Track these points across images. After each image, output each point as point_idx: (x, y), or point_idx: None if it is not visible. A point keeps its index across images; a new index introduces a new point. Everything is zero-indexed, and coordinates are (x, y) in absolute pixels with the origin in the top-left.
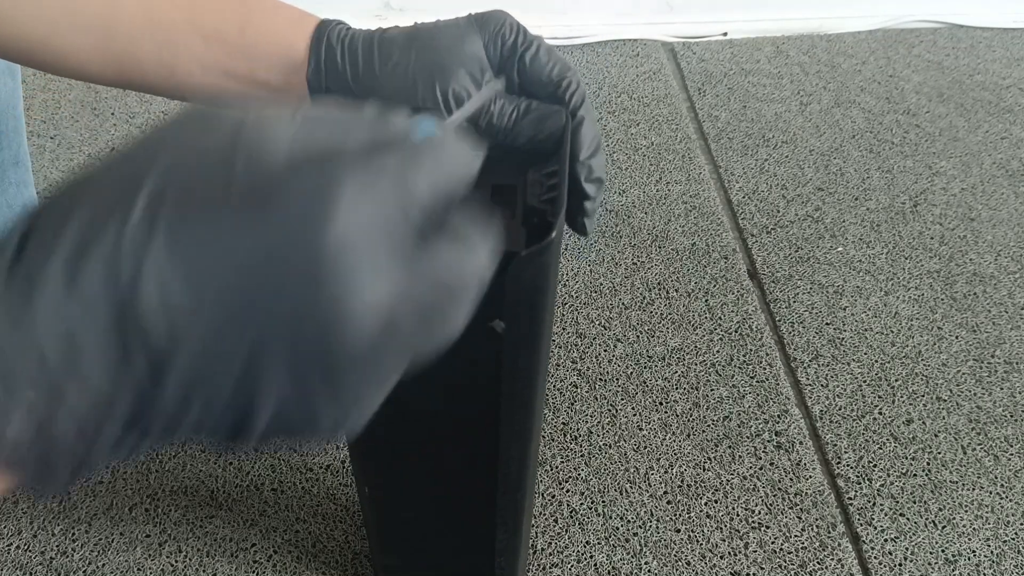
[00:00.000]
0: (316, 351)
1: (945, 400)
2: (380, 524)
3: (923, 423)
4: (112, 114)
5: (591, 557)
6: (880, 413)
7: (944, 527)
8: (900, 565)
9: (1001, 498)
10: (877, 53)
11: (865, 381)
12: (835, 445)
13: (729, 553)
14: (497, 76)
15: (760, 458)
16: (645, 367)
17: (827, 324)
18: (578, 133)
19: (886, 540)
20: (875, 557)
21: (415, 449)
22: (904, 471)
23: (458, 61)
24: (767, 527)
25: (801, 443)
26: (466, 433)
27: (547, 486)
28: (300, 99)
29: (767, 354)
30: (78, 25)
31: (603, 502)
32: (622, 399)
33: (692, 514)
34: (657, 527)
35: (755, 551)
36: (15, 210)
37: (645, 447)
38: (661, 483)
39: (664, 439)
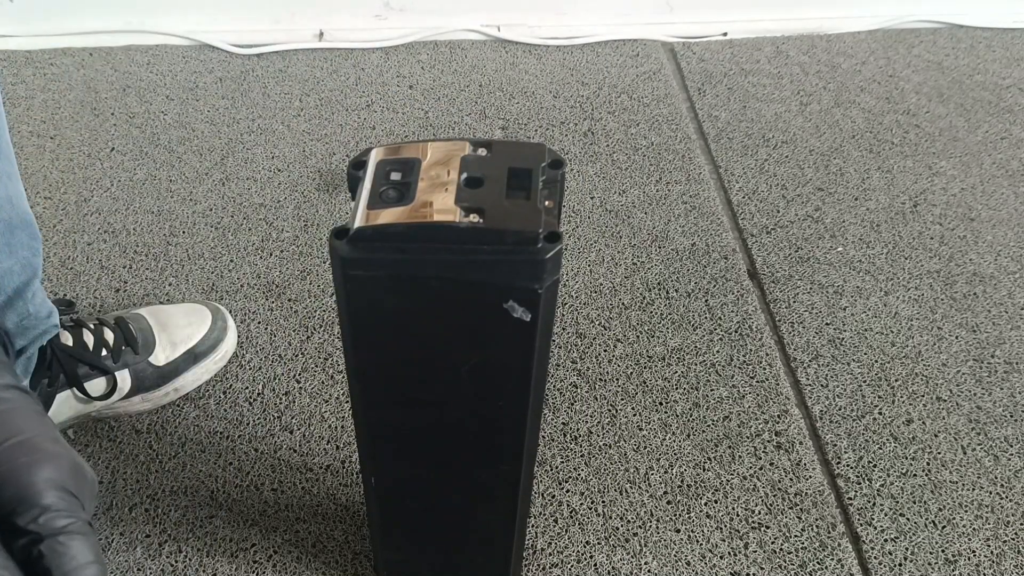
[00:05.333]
0: None
1: (945, 400)
2: (384, 516)
3: (923, 423)
4: (112, 114)
5: (591, 557)
6: (880, 413)
7: (944, 527)
8: (900, 565)
9: (1001, 498)
10: (877, 53)
11: (865, 381)
12: (835, 445)
13: (729, 553)
14: None
15: (760, 458)
16: (645, 367)
17: (827, 324)
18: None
19: (886, 540)
20: (875, 557)
21: (424, 438)
22: (904, 471)
23: None
24: (767, 527)
25: (801, 443)
26: (478, 423)
27: (547, 486)
28: None
29: (767, 354)
30: None
31: (603, 502)
32: (622, 399)
33: (692, 514)
34: (657, 527)
35: (755, 551)
36: (1, 206)
37: (645, 447)
38: (661, 483)
39: (664, 439)
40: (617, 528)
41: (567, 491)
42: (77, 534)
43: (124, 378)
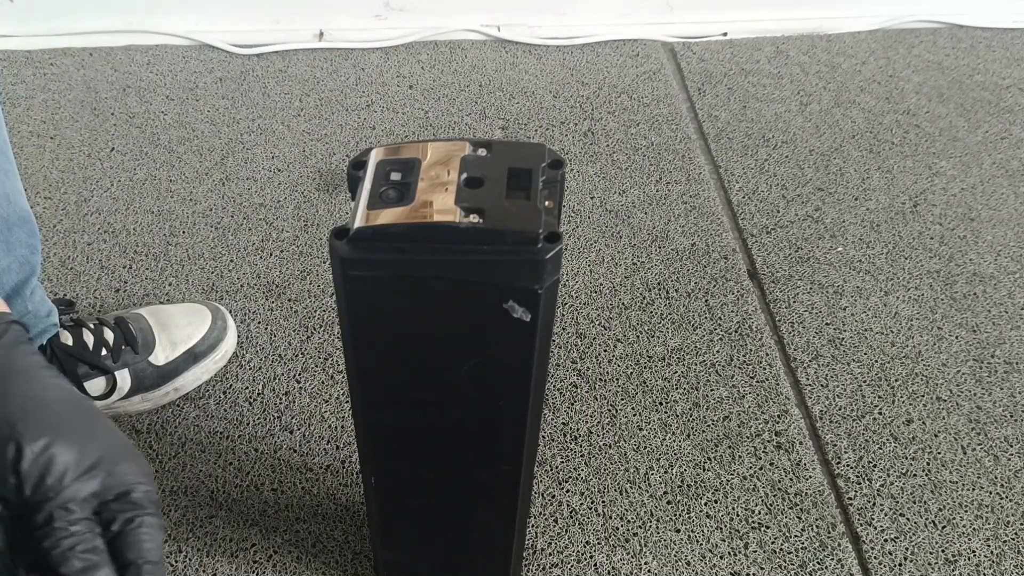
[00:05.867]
0: None
1: (945, 400)
2: (384, 516)
3: (923, 423)
4: (112, 114)
5: (591, 557)
6: (880, 413)
7: (944, 527)
8: (900, 565)
9: (1001, 498)
10: (877, 53)
11: (865, 381)
12: (835, 445)
13: (729, 553)
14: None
15: (760, 458)
16: (645, 367)
17: (827, 324)
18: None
19: (886, 540)
20: (875, 557)
21: (424, 438)
22: (904, 471)
23: None
24: (767, 527)
25: (801, 443)
26: (478, 423)
27: (547, 486)
28: None
29: (767, 354)
30: None
31: (603, 502)
32: (622, 399)
33: (692, 514)
34: (657, 527)
35: (755, 551)
36: None
37: (645, 447)
38: (661, 483)
39: (664, 439)
40: (617, 528)
41: (567, 491)
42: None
43: (124, 378)
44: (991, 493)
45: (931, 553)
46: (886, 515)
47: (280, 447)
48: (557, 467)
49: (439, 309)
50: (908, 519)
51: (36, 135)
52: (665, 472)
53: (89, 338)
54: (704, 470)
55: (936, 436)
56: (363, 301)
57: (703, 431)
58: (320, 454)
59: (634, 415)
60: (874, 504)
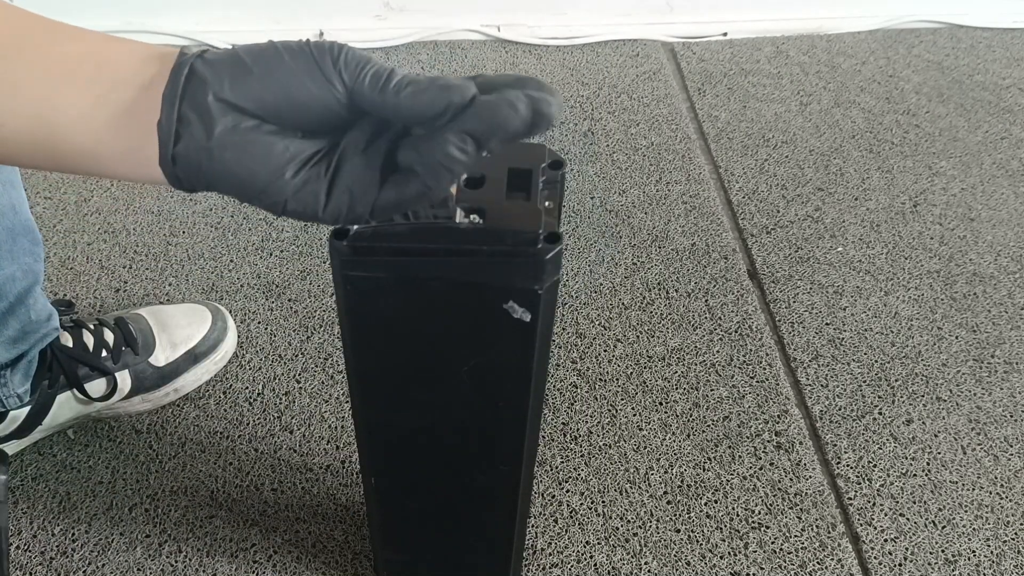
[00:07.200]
0: None
1: (945, 400)
2: (384, 516)
3: (923, 423)
4: None
5: (591, 557)
6: (880, 413)
7: (944, 527)
8: (900, 565)
9: (1001, 498)
10: (877, 53)
11: (865, 381)
12: (835, 445)
13: (729, 553)
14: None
15: (760, 458)
16: (645, 367)
17: (827, 324)
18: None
19: (886, 540)
20: (875, 557)
21: (424, 438)
22: (904, 471)
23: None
24: (767, 527)
25: (801, 443)
26: (479, 424)
27: (547, 486)
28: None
29: (767, 354)
30: None
31: (603, 502)
32: (622, 399)
33: (692, 514)
34: (657, 527)
35: (755, 551)
36: (4, 213)
37: (645, 447)
38: (661, 483)
39: (664, 439)
40: (617, 528)
41: (567, 491)
42: None
43: (124, 379)
44: (991, 493)
45: (931, 553)
46: (886, 515)
47: (280, 447)
48: (557, 467)
49: (439, 309)
50: (908, 519)
51: None
52: (665, 472)
53: (89, 339)
54: (704, 470)
55: (936, 436)
56: (363, 301)
57: (703, 431)
58: (320, 454)
59: (634, 415)
60: (874, 504)
